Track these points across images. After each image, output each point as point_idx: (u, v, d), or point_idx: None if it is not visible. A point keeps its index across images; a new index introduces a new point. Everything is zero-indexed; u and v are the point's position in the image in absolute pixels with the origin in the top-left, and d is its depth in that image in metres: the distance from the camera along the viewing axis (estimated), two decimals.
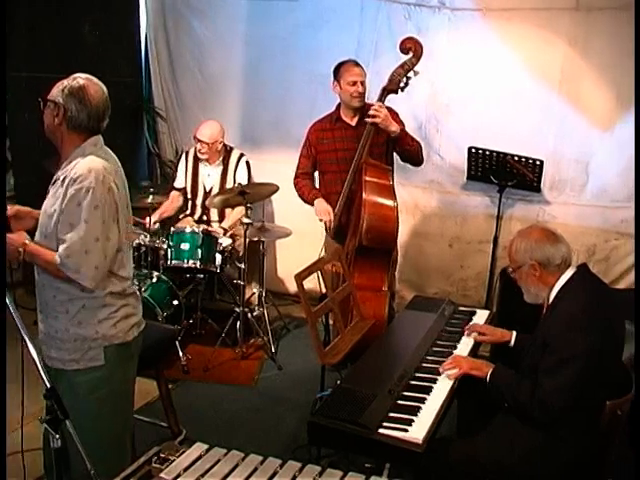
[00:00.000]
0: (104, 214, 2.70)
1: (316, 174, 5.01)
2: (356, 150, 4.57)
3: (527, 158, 5.26)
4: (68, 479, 2.72)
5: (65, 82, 2.78)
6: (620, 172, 5.30)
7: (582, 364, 2.76)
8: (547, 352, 2.86)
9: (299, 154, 4.98)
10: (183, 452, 2.24)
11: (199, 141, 5.53)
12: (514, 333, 3.49)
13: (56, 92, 2.77)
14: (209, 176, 5.69)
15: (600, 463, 2.89)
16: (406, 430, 2.63)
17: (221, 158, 5.67)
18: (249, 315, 5.28)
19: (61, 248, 2.67)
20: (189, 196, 5.79)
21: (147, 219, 5.22)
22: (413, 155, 4.74)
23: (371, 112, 4.47)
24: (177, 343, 4.90)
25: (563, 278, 3.00)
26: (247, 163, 5.70)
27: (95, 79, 2.83)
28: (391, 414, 2.74)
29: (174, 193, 5.83)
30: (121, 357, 2.89)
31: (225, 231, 5.49)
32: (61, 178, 2.74)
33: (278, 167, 5.83)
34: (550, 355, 2.84)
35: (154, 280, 5.03)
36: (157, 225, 5.45)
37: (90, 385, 2.82)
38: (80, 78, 2.79)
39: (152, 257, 5.15)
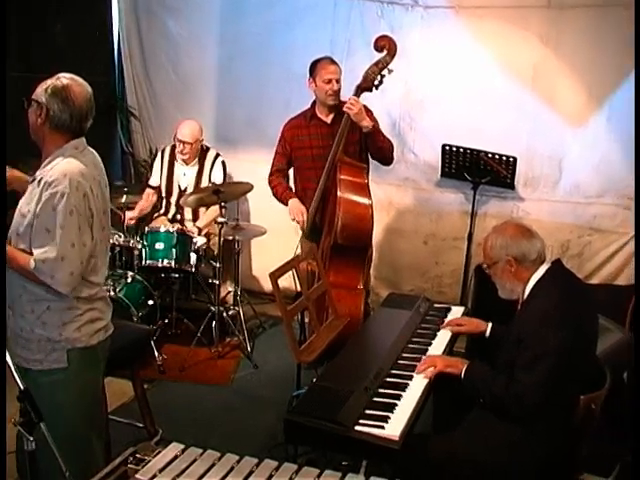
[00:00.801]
0: (79, 220, 2.68)
1: (291, 171, 5.01)
2: (331, 147, 4.57)
3: (501, 155, 5.29)
4: None
5: (49, 82, 2.76)
6: (592, 168, 5.36)
7: (554, 360, 2.78)
8: (521, 348, 2.87)
9: (274, 151, 4.97)
10: (159, 452, 2.23)
11: (181, 142, 5.49)
12: (490, 324, 3.53)
13: (39, 92, 2.75)
14: (184, 175, 5.67)
15: (573, 457, 2.92)
16: (382, 427, 2.63)
17: (197, 158, 5.66)
18: (224, 314, 5.27)
19: (36, 253, 2.65)
20: (163, 195, 5.76)
21: (123, 216, 5.19)
22: (384, 153, 4.75)
23: (347, 105, 4.48)
24: (152, 343, 4.88)
25: (537, 274, 3.02)
26: (223, 163, 5.69)
27: (80, 79, 2.82)
28: (367, 411, 2.74)
29: (148, 191, 5.81)
30: (85, 361, 2.87)
31: (200, 230, 5.47)
32: (38, 179, 2.72)
33: (254, 166, 5.82)
34: (525, 351, 2.85)
35: (129, 280, 5.00)
36: (133, 222, 5.41)
37: (53, 386, 2.79)
38: (64, 78, 2.77)
39: (127, 257, 5.13)
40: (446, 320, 3.75)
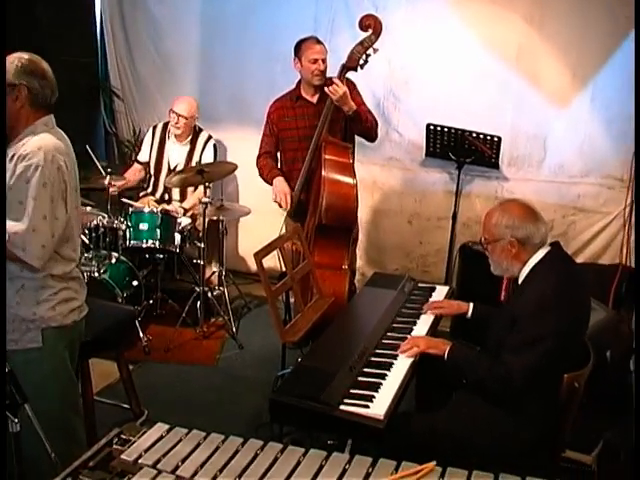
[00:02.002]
0: (52, 192, 2.65)
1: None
2: (317, 127, 4.56)
3: (485, 134, 5.29)
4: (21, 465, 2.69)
5: (14, 63, 2.69)
6: (576, 148, 5.37)
7: (549, 345, 2.76)
8: (515, 330, 2.85)
9: (262, 133, 4.95)
10: (144, 433, 2.23)
11: (176, 114, 5.48)
12: (471, 305, 3.52)
13: (11, 75, 2.68)
14: (175, 154, 5.66)
15: (557, 435, 2.94)
16: (367, 406, 2.64)
17: (189, 137, 5.64)
18: (209, 294, 5.27)
19: (9, 225, 2.62)
20: (152, 172, 5.75)
21: (107, 192, 5.17)
22: (368, 132, 4.75)
23: (329, 89, 4.46)
24: (137, 324, 4.88)
25: (537, 256, 2.98)
26: (215, 146, 5.68)
27: (33, 55, 2.78)
28: (352, 391, 2.75)
29: (136, 166, 5.81)
30: (59, 340, 2.86)
31: (186, 211, 5.46)
32: (10, 155, 2.68)
33: (237, 146, 5.82)
34: (518, 333, 2.83)
35: (113, 261, 4.98)
36: (115, 191, 5.33)
37: (29, 367, 2.77)
38: (23, 56, 2.72)
39: (111, 238, 5.10)
40: (430, 300, 3.75)
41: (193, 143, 5.66)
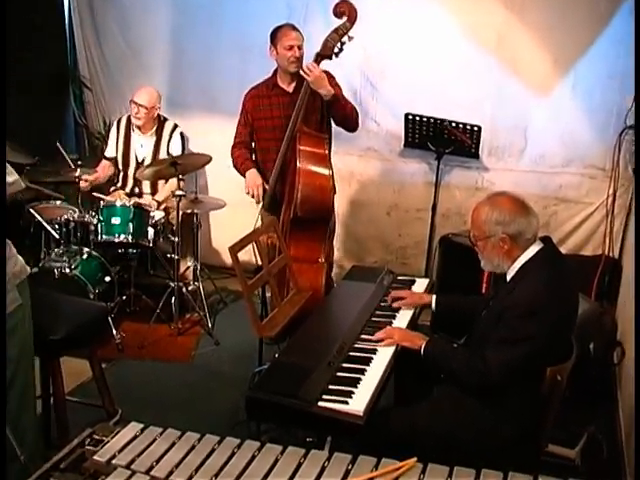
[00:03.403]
0: None
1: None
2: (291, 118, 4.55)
3: (465, 124, 5.31)
4: None
5: None
6: (558, 138, 5.41)
7: (535, 347, 2.76)
8: (502, 326, 2.83)
9: (235, 123, 4.93)
10: (118, 433, 2.22)
11: (137, 104, 5.44)
12: (434, 296, 3.52)
13: None
14: (142, 147, 5.62)
15: (539, 430, 2.96)
16: (346, 402, 2.64)
17: (154, 128, 5.61)
18: (184, 290, 5.25)
19: None
20: (120, 167, 5.72)
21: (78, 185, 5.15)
22: (347, 120, 4.72)
23: (304, 68, 4.46)
24: (110, 320, 4.83)
25: (528, 252, 2.94)
26: (182, 135, 5.65)
27: None
28: (331, 386, 2.75)
29: (104, 162, 5.78)
30: (27, 293, 2.92)
31: (159, 204, 5.44)
32: None
33: (208, 137, 5.79)
34: (503, 329, 2.82)
35: (84, 257, 4.95)
36: (87, 186, 5.32)
37: (15, 331, 2.81)
38: None
39: (82, 233, 5.08)
40: (391, 294, 3.74)
41: (159, 134, 5.63)
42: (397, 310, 3.55)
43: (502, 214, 2.92)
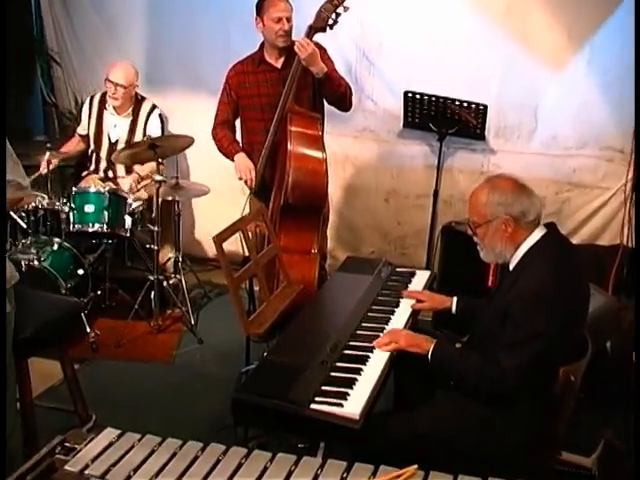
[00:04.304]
0: None
1: (238, 122, 4.96)
2: (282, 95, 4.53)
3: (469, 103, 5.30)
4: None
5: None
6: (571, 117, 5.38)
7: (545, 344, 2.75)
8: (509, 324, 2.83)
9: (218, 101, 4.91)
10: (91, 440, 2.21)
11: (113, 83, 5.41)
12: (455, 299, 3.50)
13: None
14: (115, 127, 5.60)
15: (551, 435, 2.95)
16: (341, 405, 2.63)
17: (131, 108, 5.59)
18: (164, 283, 5.24)
19: None
20: (92, 147, 5.70)
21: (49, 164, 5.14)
22: (340, 99, 4.72)
23: (296, 45, 4.44)
24: (84, 317, 4.82)
25: (531, 238, 2.95)
26: (161, 116, 5.63)
27: None
28: (324, 387, 2.75)
29: (77, 137, 5.81)
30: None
31: (131, 186, 5.41)
32: None
33: (189, 117, 5.76)
34: (512, 329, 2.81)
35: (55, 248, 4.93)
36: (52, 164, 5.27)
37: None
38: None
39: (52, 222, 5.06)
40: (409, 287, 3.75)
41: (135, 114, 5.61)
42: (396, 304, 3.54)
43: (504, 194, 2.94)
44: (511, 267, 3.02)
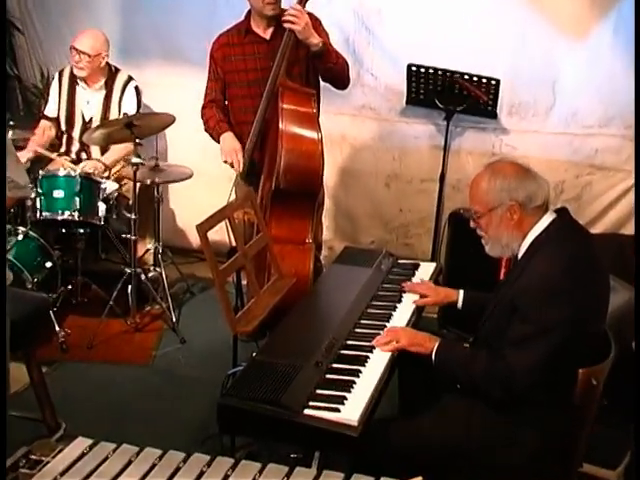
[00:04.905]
0: None
1: None
2: (271, 70, 4.52)
3: (480, 77, 5.28)
4: None
5: None
6: (594, 92, 5.37)
7: (561, 337, 2.75)
8: (517, 319, 2.83)
9: (205, 78, 4.90)
10: (61, 451, 2.21)
11: (77, 51, 5.38)
12: (461, 292, 3.51)
13: None
14: (88, 103, 5.59)
15: (571, 445, 2.95)
16: (338, 410, 2.64)
17: (103, 81, 5.58)
18: (143, 277, 5.23)
19: None
20: (63, 128, 5.68)
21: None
22: (338, 75, 4.71)
23: (287, 17, 4.42)
24: (52, 315, 4.80)
25: (539, 225, 2.95)
26: (137, 89, 5.61)
27: None
28: (319, 391, 2.76)
29: (44, 123, 5.74)
30: None
31: (107, 168, 5.38)
32: None
33: (169, 92, 5.75)
34: (521, 323, 2.81)
35: (20, 238, 4.93)
36: (28, 163, 5.30)
37: None
38: None
39: (16, 209, 5.05)
40: (413, 280, 3.76)
41: (109, 87, 5.59)
42: (398, 300, 3.55)
43: (506, 179, 2.95)
44: (519, 257, 3.02)
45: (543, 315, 2.77)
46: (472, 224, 3.11)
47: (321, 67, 4.64)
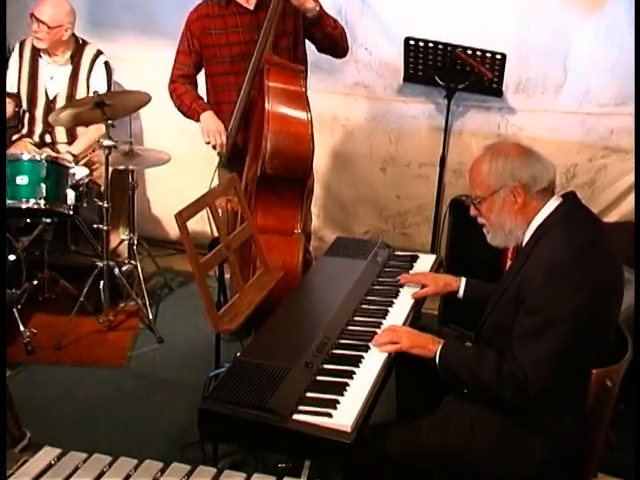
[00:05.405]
0: None
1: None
2: (256, 44, 4.51)
3: (484, 51, 5.29)
4: None
5: None
6: (609, 67, 5.36)
7: (568, 330, 2.74)
8: (524, 311, 2.83)
9: (176, 50, 4.89)
10: (25, 462, 2.21)
11: (37, 20, 5.33)
12: (463, 280, 3.52)
13: None
14: (52, 79, 5.55)
15: (584, 452, 2.95)
16: (330, 415, 2.64)
17: (69, 54, 5.55)
18: (116, 271, 5.21)
19: None
20: (25, 106, 5.65)
21: None
22: (336, 41, 4.72)
23: None
24: (16, 313, 4.82)
25: (545, 210, 2.95)
26: (107, 64, 5.59)
27: None
28: (309, 394, 2.76)
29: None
30: None
31: (75, 158, 5.37)
32: None
33: (142, 69, 5.73)
34: (528, 316, 2.81)
35: None
36: None
37: None
38: None
39: None
40: (411, 272, 3.77)
41: (76, 62, 5.56)
42: (395, 295, 3.56)
43: (508, 160, 2.96)
44: (523, 244, 3.03)
45: (551, 303, 2.77)
46: (472, 212, 3.12)
47: (319, 35, 4.64)
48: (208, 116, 4.73)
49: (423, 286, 3.59)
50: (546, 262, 2.81)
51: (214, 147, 4.71)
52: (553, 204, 2.96)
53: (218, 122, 4.70)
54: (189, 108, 4.79)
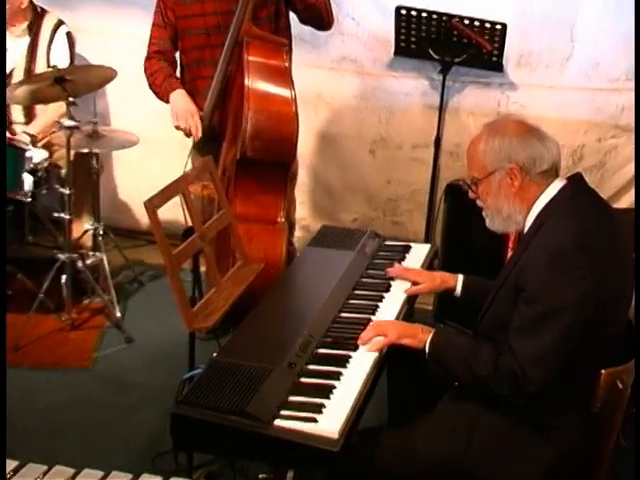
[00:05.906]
0: None
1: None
2: (234, 14, 4.50)
3: (482, 21, 5.29)
4: None
5: None
6: (620, 39, 5.35)
7: (573, 318, 2.74)
8: (523, 301, 2.83)
9: (151, 23, 4.88)
10: None
11: None
12: (460, 277, 3.53)
13: None
14: (8, 52, 5.52)
15: (594, 458, 2.96)
16: (315, 420, 2.65)
17: (26, 24, 5.53)
18: (80, 264, 5.20)
19: None
20: None
21: None
22: (320, 13, 4.70)
23: None
24: None
25: (547, 193, 2.95)
26: (69, 35, 5.57)
27: None
28: (292, 398, 2.77)
29: None
30: None
31: (33, 139, 5.36)
32: None
33: (108, 41, 5.71)
34: (527, 305, 2.81)
35: None
36: None
37: None
38: None
39: None
40: (395, 267, 3.77)
41: (34, 33, 5.54)
42: (386, 289, 3.57)
43: (506, 138, 2.96)
44: (524, 231, 3.03)
45: (553, 292, 2.76)
46: (470, 194, 3.13)
47: (301, 6, 4.63)
48: (178, 96, 4.71)
49: (417, 283, 3.59)
50: (548, 248, 2.81)
51: (186, 133, 4.69)
52: (557, 186, 2.96)
53: (189, 102, 4.68)
54: (160, 87, 4.77)
